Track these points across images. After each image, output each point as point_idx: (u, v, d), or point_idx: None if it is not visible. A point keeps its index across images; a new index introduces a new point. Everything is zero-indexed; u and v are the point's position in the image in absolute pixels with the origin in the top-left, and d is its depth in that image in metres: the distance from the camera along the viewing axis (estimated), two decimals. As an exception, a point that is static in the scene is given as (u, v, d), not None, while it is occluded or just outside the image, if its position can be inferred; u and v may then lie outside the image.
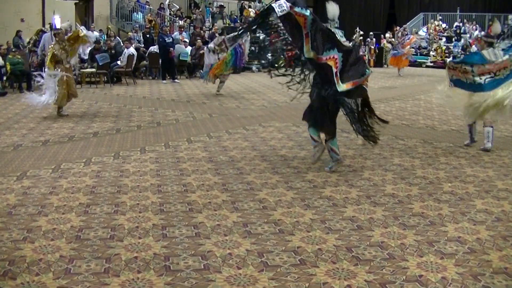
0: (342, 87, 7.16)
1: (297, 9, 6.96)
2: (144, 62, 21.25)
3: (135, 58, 19.45)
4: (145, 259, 4.54)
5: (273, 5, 6.94)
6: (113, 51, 19.60)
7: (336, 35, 7.40)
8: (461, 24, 32.92)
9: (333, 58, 7.13)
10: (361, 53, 30.99)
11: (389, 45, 30.78)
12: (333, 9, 7.94)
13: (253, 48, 20.17)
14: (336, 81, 7.13)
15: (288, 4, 6.88)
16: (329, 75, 7.16)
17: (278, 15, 6.94)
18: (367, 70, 7.49)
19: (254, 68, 23.84)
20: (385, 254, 4.72)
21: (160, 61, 20.49)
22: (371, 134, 7.85)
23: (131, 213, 5.70)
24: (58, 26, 12.66)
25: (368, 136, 7.86)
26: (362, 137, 7.97)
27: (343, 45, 7.36)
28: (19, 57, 16.69)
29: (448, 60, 9.21)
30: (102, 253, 4.65)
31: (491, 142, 8.99)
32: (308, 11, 7.10)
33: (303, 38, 7.08)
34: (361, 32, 30.64)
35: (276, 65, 7.62)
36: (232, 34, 16.85)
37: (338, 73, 7.12)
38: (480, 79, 8.71)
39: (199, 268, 4.39)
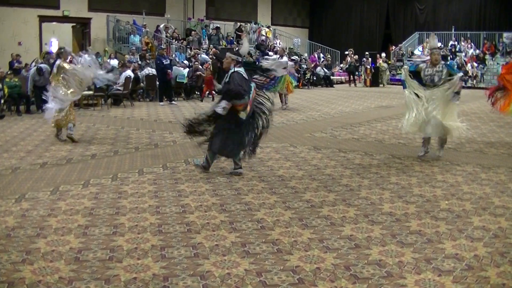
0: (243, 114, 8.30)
1: None
2: (141, 84, 21.35)
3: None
4: (144, 280, 4.55)
5: None
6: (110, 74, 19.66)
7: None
8: (456, 42, 33.16)
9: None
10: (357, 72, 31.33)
11: (385, 65, 30.97)
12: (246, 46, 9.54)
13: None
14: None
15: None
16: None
17: None
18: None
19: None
20: (383, 272, 4.73)
21: (158, 83, 20.59)
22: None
23: (129, 234, 5.71)
24: (54, 50, 12.68)
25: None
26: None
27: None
28: (16, 80, 16.80)
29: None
30: (101, 274, 4.66)
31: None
32: None
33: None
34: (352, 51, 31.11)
35: None
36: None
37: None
38: None
39: (198, 288, 4.41)
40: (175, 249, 5.29)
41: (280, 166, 9.12)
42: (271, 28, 33.48)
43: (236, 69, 8.31)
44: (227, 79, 8.26)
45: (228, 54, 8.58)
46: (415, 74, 9.78)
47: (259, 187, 7.76)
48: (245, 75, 8.32)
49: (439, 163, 9.38)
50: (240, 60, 8.57)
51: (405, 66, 10.20)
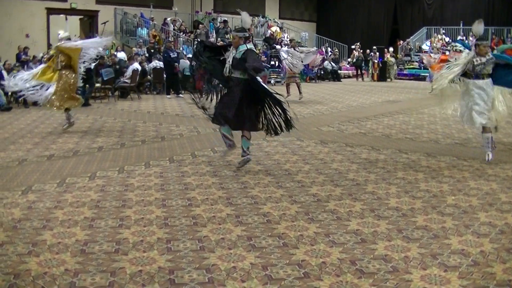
0: None
1: None
2: (149, 77, 21.37)
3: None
4: (150, 273, 4.56)
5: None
6: (117, 67, 19.71)
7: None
8: (464, 37, 32.99)
9: None
10: (364, 66, 31.31)
11: (392, 59, 30.87)
12: (246, 18, 8.97)
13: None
14: None
15: None
16: None
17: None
18: None
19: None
20: (389, 267, 4.72)
21: (165, 76, 20.61)
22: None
23: (135, 227, 5.72)
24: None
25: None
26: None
27: None
28: (24, 72, 16.81)
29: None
30: (107, 267, 4.67)
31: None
32: None
33: None
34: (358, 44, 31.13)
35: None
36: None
37: None
38: None
39: (204, 282, 4.40)
40: (181, 242, 5.29)
41: (287, 160, 9.12)
42: (279, 23, 33.50)
43: (248, 46, 8.27)
44: (241, 55, 8.10)
45: (233, 33, 8.45)
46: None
47: (265, 181, 7.76)
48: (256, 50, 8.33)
49: (446, 159, 9.35)
50: (248, 35, 8.54)
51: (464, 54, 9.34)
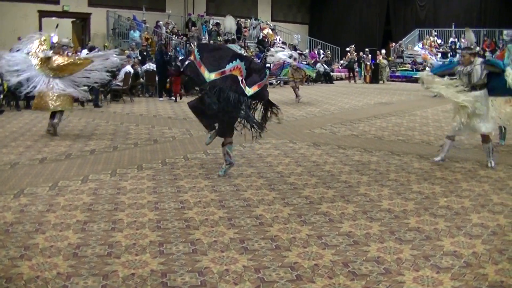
0: (249, 91, 7.91)
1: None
2: (141, 79, 21.34)
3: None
4: (142, 276, 4.55)
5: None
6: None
7: (233, 48, 8.41)
8: (456, 39, 33.13)
9: (237, 68, 7.87)
10: (356, 68, 31.38)
11: (384, 61, 30.94)
12: (229, 23, 9.26)
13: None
14: (243, 87, 7.87)
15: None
16: (236, 84, 7.84)
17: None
18: (266, 73, 8.30)
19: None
20: (382, 269, 4.73)
21: (157, 79, 20.59)
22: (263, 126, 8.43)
23: (128, 230, 5.71)
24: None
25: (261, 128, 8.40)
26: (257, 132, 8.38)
27: (243, 55, 8.30)
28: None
29: None
30: (100, 270, 4.66)
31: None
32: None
33: (197, 68, 7.98)
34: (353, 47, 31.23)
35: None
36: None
37: (243, 80, 7.88)
38: None
39: (196, 285, 4.40)
40: (173, 245, 5.29)
41: (279, 162, 9.12)
42: (271, 25, 33.56)
43: None
44: None
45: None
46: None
47: (258, 183, 7.76)
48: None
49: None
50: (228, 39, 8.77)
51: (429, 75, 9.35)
